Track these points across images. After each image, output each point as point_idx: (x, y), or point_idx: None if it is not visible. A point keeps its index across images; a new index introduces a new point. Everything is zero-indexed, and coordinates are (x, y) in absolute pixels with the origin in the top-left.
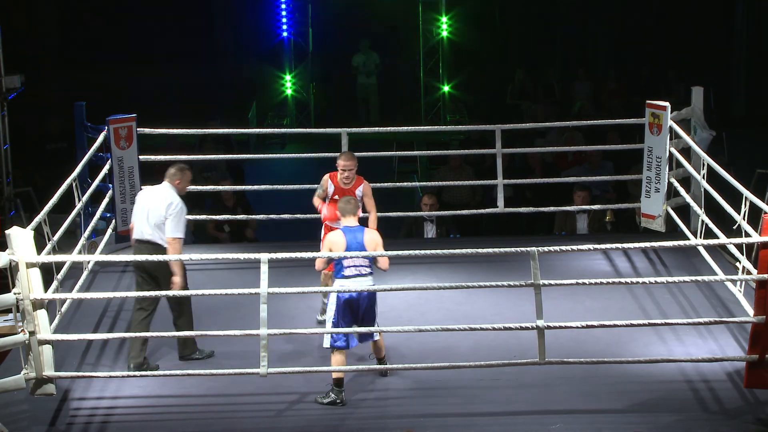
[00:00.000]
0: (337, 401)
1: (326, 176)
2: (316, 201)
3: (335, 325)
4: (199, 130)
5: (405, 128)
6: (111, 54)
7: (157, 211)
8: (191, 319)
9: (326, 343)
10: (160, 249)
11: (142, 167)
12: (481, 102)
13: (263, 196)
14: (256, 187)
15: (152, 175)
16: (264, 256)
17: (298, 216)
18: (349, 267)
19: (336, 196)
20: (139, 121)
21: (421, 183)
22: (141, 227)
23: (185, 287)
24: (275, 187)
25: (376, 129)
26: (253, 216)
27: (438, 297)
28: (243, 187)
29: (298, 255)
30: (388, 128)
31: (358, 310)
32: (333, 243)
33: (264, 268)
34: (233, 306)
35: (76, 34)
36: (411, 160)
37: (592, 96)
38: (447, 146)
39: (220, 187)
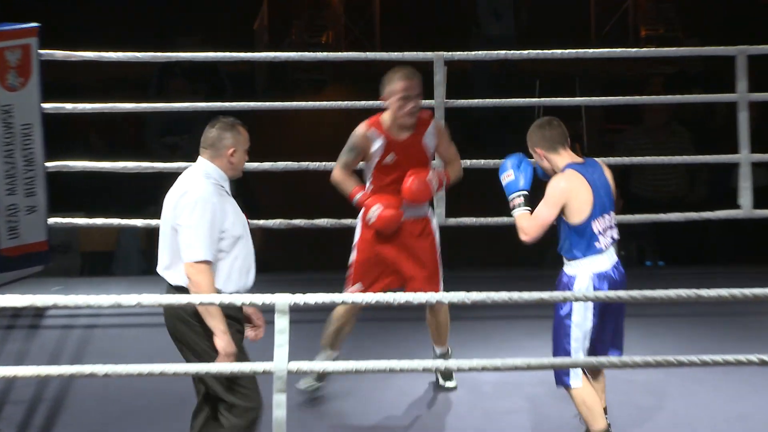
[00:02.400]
0: None
1: (363, 127)
2: (340, 175)
3: (577, 347)
4: (160, 54)
5: (559, 52)
6: None
7: (167, 219)
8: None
9: (574, 382)
10: (179, 290)
11: (49, 125)
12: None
13: (275, 180)
14: (266, 164)
15: (73, 141)
16: (282, 301)
17: (345, 222)
18: (601, 233)
19: (388, 158)
20: (50, 38)
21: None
22: (159, 252)
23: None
24: (302, 164)
25: (503, 53)
26: (261, 222)
27: (623, 380)
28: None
29: (351, 295)
30: (527, 52)
31: (616, 308)
32: (573, 191)
33: (281, 323)
34: None
35: None
36: (568, 113)
37: None
38: (640, 87)
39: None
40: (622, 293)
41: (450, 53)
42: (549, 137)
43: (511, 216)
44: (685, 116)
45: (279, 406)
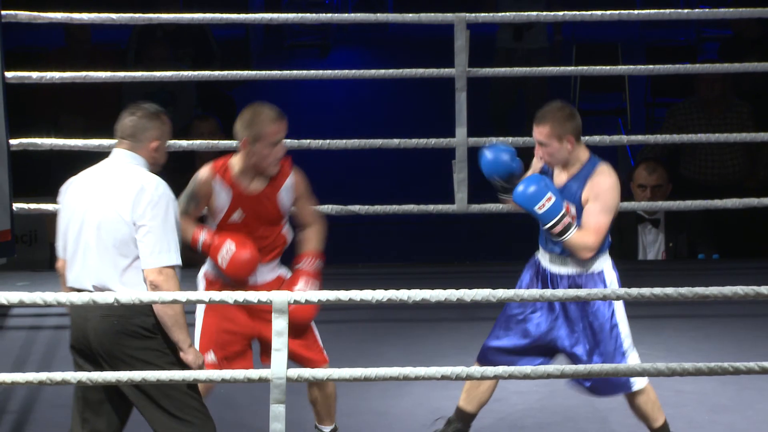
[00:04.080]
0: None
1: (207, 172)
2: (189, 227)
3: (630, 343)
4: (139, 15)
5: (599, 14)
6: None
7: (113, 219)
8: None
9: (639, 383)
10: (124, 306)
11: (12, 97)
12: None
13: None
14: None
15: (41, 116)
16: (280, 299)
17: (353, 209)
18: None
19: (235, 215)
20: None
21: (633, 139)
22: (77, 264)
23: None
24: (303, 142)
25: (533, 15)
26: None
27: (672, 390)
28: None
29: (358, 293)
30: (561, 14)
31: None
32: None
33: (280, 324)
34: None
35: None
36: (610, 84)
37: None
38: (692, 55)
39: (185, 142)
40: (671, 291)
41: (473, 15)
42: (579, 126)
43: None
44: (743, 88)
45: (277, 418)
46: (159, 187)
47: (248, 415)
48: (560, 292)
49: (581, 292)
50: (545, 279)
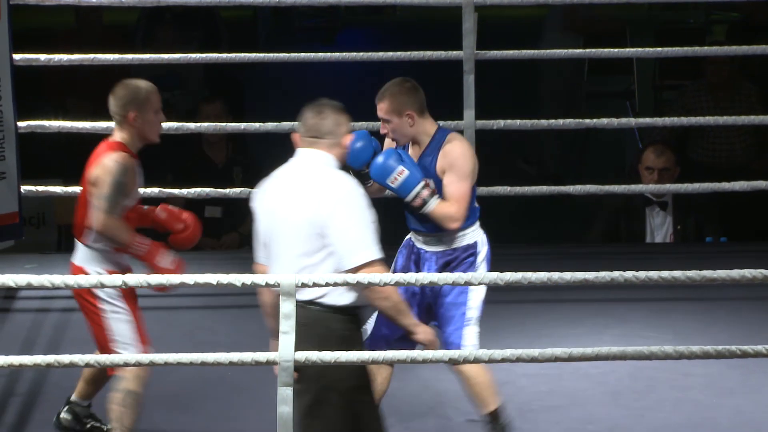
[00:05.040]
0: None
1: (124, 156)
2: (114, 221)
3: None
4: None
5: None
6: None
7: (311, 222)
8: None
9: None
10: (334, 318)
11: (21, 79)
12: None
13: (281, 144)
14: (269, 125)
15: (49, 99)
16: (287, 281)
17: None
18: None
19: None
20: None
21: (641, 121)
22: (280, 268)
23: None
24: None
25: None
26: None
27: (679, 373)
28: (245, 124)
29: (368, 275)
30: None
31: None
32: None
33: (287, 307)
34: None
35: None
36: (618, 67)
37: None
38: (700, 37)
39: (192, 124)
40: (678, 274)
41: None
42: (422, 100)
43: (550, 184)
44: (752, 71)
45: (285, 401)
46: (353, 186)
47: (255, 398)
48: (568, 275)
49: (589, 275)
50: (417, 259)
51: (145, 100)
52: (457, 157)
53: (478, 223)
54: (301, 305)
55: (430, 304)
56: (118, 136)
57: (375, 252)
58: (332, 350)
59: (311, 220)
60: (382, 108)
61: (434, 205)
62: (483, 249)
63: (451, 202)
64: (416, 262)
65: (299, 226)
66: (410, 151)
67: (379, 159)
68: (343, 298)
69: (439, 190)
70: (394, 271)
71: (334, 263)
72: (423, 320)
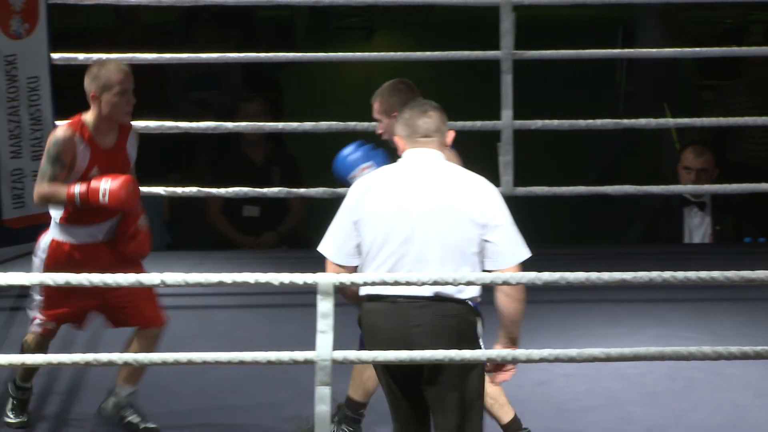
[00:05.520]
0: None
1: (67, 130)
2: (47, 188)
3: None
4: None
5: None
6: None
7: (461, 222)
8: None
9: None
10: (465, 314)
11: (59, 78)
12: None
13: (318, 143)
14: (307, 124)
15: (80, 100)
16: (325, 281)
17: None
18: None
19: (93, 171)
20: None
21: (679, 121)
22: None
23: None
24: (348, 124)
25: None
26: (302, 190)
27: (717, 374)
28: (282, 124)
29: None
30: None
31: None
32: None
33: (325, 306)
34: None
35: None
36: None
37: None
38: (739, 37)
39: (231, 124)
40: (717, 274)
41: None
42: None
43: (588, 185)
44: None
45: (322, 400)
46: (490, 185)
47: (293, 397)
48: (607, 275)
49: (627, 275)
50: None
51: (107, 80)
52: None
53: None
54: (438, 299)
55: None
56: (85, 114)
57: (528, 251)
58: (470, 346)
59: (472, 219)
60: (374, 108)
61: None
62: None
63: None
64: None
65: (456, 224)
66: None
67: (346, 157)
68: (471, 293)
69: None
70: None
71: (489, 260)
72: None
